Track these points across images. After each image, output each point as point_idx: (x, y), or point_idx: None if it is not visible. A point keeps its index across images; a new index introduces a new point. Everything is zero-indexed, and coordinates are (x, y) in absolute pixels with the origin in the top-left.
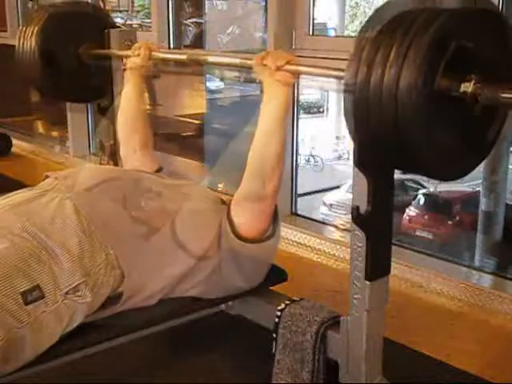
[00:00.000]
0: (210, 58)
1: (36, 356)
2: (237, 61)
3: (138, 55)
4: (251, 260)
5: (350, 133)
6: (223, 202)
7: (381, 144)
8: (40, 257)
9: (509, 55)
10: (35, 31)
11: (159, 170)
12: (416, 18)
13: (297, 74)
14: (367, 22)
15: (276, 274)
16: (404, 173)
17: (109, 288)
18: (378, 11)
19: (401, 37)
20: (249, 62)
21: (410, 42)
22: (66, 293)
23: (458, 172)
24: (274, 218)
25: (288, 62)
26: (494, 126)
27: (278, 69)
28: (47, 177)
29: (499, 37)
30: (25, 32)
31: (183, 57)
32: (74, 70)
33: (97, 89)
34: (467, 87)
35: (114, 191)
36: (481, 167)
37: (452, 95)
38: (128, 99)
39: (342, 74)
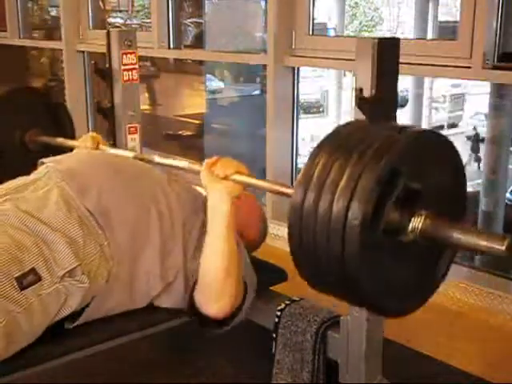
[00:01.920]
0: (157, 159)
1: (35, 337)
2: (185, 164)
3: (86, 148)
4: None
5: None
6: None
7: (325, 274)
8: (33, 242)
9: (460, 187)
10: None
11: None
12: (371, 145)
13: (244, 185)
14: (324, 139)
15: (276, 274)
16: None
17: (103, 279)
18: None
19: (354, 163)
20: (197, 167)
21: (361, 172)
22: (63, 276)
23: (400, 309)
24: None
25: (237, 172)
26: (443, 263)
27: (226, 178)
28: (42, 163)
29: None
30: None
31: (130, 154)
32: (19, 157)
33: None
34: (417, 223)
35: (109, 178)
36: (481, 167)
37: (401, 233)
38: None
39: (290, 191)
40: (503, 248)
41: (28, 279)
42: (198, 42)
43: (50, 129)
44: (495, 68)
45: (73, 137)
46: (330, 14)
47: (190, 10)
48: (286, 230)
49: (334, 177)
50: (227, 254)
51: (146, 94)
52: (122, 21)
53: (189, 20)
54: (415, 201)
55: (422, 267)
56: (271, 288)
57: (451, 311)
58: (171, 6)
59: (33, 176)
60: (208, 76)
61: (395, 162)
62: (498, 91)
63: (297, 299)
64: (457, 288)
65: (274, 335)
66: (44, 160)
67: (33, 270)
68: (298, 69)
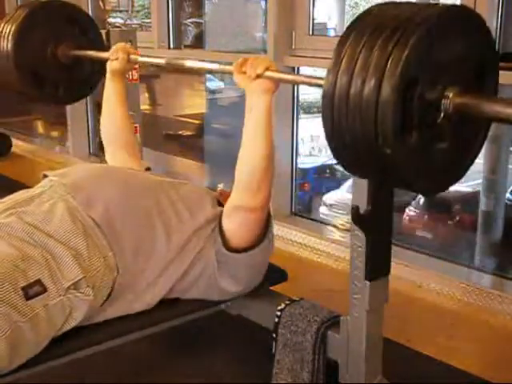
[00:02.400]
0: (188, 63)
1: (39, 349)
2: (216, 66)
3: (117, 58)
4: (245, 268)
5: (327, 138)
6: (219, 203)
7: (361, 157)
8: (39, 254)
9: (491, 57)
10: (12, 31)
11: (148, 170)
12: (397, 28)
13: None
14: (348, 28)
15: (276, 274)
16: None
17: (108, 290)
18: (359, 18)
19: (382, 45)
20: (228, 68)
21: (389, 54)
22: (68, 288)
23: (435, 188)
24: (268, 223)
25: (267, 69)
26: (478, 139)
27: (258, 76)
28: (45, 176)
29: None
30: (1, 30)
31: (162, 61)
32: (53, 71)
33: (81, 87)
34: (451, 99)
35: (113, 189)
36: (481, 167)
37: (434, 110)
38: (110, 102)
39: (322, 82)
40: None
41: (34, 289)
42: (198, 41)
43: (81, 42)
44: None
45: (103, 50)
46: (330, 14)
47: (189, 10)
48: (286, 230)
49: (364, 58)
50: (267, 147)
51: (146, 94)
52: (122, 21)
53: (189, 20)
54: (446, 77)
55: (457, 146)
56: (271, 288)
57: (451, 311)
58: (171, 6)
59: (37, 189)
60: (208, 76)
61: (424, 38)
62: (498, 91)
63: (297, 299)
64: (457, 288)
65: (274, 335)
66: (47, 173)
67: (38, 281)
68: (298, 69)
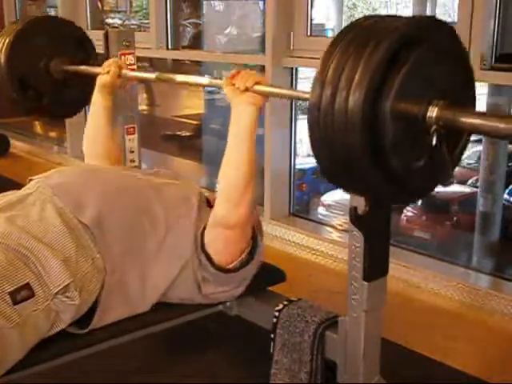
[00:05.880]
0: (179, 78)
1: (23, 355)
2: (206, 81)
3: (108, 72)
4: (232, 282)
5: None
6: (208, 201)
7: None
8: (27, 259)
9: (465, 76)
10: (6, 44)
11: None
12: (369, 39)
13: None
14: (334, 39)
15: (274, 275)
16: None
17: (96, 293)
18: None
19: (354, 57)
20: (218, 82)
21: (358, 66)
22: (56, 293)
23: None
24: (254, 239)
25: (257, 83)
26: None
27: (247, 89)
28: (31, 180)
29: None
30: None
31: (152, 76)
32: (45, 85)
33: (73, 103)
34: (431, 111)
35: (101, 190)
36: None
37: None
38: (95, 117)
39: (307, 96)
40: None
41: (22, 294)
42: (196, 42)
43: (74, 57)
44: (493, 69)
45: (96, 65)
46: (328, 14)
47: (188, 10)
48: (284, 231)
49: (344, 71)
50: (248, 162)
51: (145, 95)
52: (120, 21)
53: (187, 21)
54: (429, 90)
55: (438, 156)
56: (269, 288)
57: (449, 311)
58: (169, 6)
59: (23, 191)
60: (207, 76)
61: (393, 47)
62: (496, 92)
63: (295, 299)
64: (455, 288)
65: (272, 335)
66: (32, 177)
67: (27, 285)
68: (297, 69)
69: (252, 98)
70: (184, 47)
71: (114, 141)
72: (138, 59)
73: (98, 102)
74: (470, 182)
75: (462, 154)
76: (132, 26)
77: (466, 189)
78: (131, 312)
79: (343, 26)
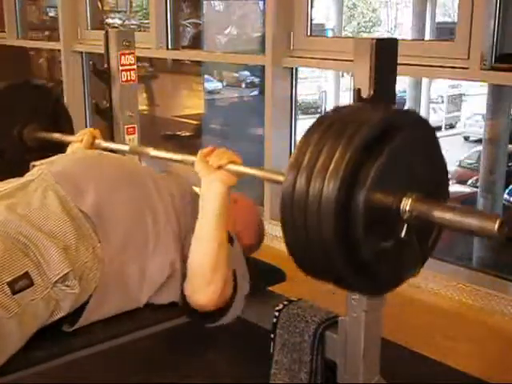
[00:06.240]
0: (152, 152)
1: (22, 344)
2: (179, 157)
3: (81, 141)
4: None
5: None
6: None
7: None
8: (26, 247)
9: (437, 171)
10: None
11: None
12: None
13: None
14: (311, 127)
15: (274, 275)
16: None
17: (95, 282)
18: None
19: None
20: (191, 158)
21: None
22: (56, 282)
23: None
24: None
25: (231, 162)
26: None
27: (220, 167)
28: (34, 166)
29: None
30: None
31: (126, 148)
32: (18, 154)
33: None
34: (404, 204)
35: (103, 178)
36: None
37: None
38: None
39: (281, 178)
40: (495, 228)
41: (20, 284)
42: (196, 42)
43: (49, 124)
44: (493, 69)
45: (71, 132)
46: (328, 15)
47: (188, 10)
48: None
49: (323, 160)
50: (217, 243)
51: (144, 95)
52: (120, 21)
53: (187, 21)
54: (404, 181)
55: (408, 246)
56: (269, 288)
57: (449, 312)
58: (169, 6)
59: (25, 178)
60: (206, 77)
61: (369, 138)
62: (496, 92)
63: (295, 300)
64: (455, 289)
65: (272, 335)
66: (36, 163)
67: (26, 274)
68: (297, 69)
69: (224, 175)
70: (184, 47)
71: None
72: (138, 59)
73: None
74: (470, 182)
75: (434, 245)
76: (132, 26)
77: (466, 189)
78: (125, 306)
79: (343, 27)
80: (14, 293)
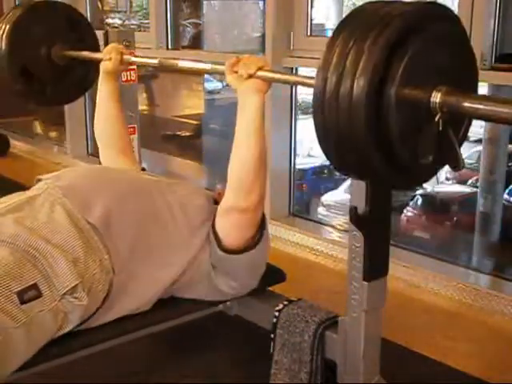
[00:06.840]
0: (181, 63)
1: (30, 356)
2: (208, 66)
3: (110, 59)
4: (240, 269)
5: (317, 136)
6: (216, 202)
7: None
8: (35, 259)
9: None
10: (6, 30)
11: (143, 171)
12: (375, 25)
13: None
14: (338, 26)
15: (274, 275)
16: None
17: (104, 293)
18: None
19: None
20: (220, 67)
21: (363, 52)
22: (64, 294)
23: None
24: (262, 223)
25: (260, 69)
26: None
27: (250, 76)
28: (39, 180)
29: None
30: None
31: (155, 61)
32: (47, 71)
33: (76, 87)
34: (434, 97)
35: (110, 191)
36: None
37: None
38: (104, 103)
39: (312, 82)
40: None
41: (29, 294)
42: (196, 42)
43: (74, 43)
44: (493, 69)
45: (96, 50)
46: (328, 14)
47: (188, 10)
48: (284, 231)
49: (348, 56)
50: (258, 148)
51: (144, 95)
52: (120, 21)
53: (187, 21)
54: (433, 76)
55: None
56: (269, 288)
57: (449, 312)
58: (169, 6)
59: (32, 192)
60: (206, 77)
61: (397, 34)
62: (496, 92)
63: (295, 300)
64: (454, 288)
65: (272, 335)
66: (41, 177)
67: (34, 286)
68: (297, 69)
69: (257, 84)
70: (184, 47)
71: (123, 123)
72: None
73: (104, 88)
74: (470, 182)
75: (464, 137)
76: (132, 26)
77: (466, 189)
78: (132, 311)
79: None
80: (22, 303)
